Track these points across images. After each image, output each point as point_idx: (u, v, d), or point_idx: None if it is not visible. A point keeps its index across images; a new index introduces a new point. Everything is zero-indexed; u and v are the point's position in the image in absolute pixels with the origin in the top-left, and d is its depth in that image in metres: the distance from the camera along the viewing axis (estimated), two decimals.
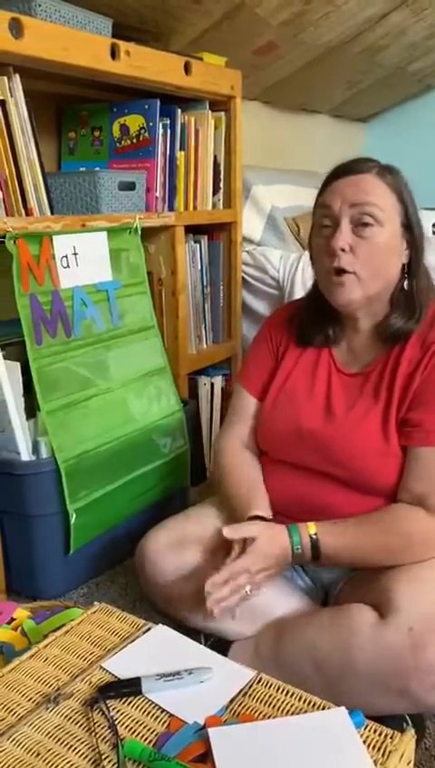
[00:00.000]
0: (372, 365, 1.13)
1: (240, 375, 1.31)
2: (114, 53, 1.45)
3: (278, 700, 0.82)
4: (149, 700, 0.82)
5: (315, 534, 1.04)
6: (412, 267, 1.10)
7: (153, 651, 0.91)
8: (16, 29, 1.24)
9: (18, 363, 1.35)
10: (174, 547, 1.16)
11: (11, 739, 0.77)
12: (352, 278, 1.06)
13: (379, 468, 1.07)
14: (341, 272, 1.06)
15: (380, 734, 0.76)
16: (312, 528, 1.05)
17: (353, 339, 1.17)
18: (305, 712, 0.80)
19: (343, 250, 1.05)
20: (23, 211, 1.35)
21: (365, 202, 1.04)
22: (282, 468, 1.19)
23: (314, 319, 1.19)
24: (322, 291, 1.13)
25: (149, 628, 0.96)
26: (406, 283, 1.11)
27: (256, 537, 1.04)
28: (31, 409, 1.39)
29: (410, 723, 0.96)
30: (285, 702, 0.82)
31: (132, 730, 0.78)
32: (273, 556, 1.05)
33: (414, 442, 1.05)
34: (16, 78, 1.31)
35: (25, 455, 1.37)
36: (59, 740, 0.77)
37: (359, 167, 1.08)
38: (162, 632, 0.96)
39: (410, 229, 1.09)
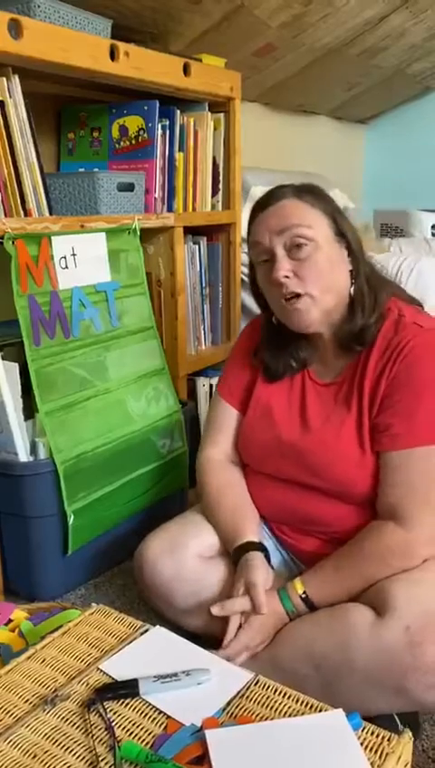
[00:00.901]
0: (343, 374, 1.13)
1: (219, 386, 1.30)
2: (113, 54, 1.45)
3: (276, 702, 0.82)
4: (147, 702, 0.82)
5: (304, 593, 1.05)
6: (355, 271, 1.10)
7: (151, 653, 0.91)
8: (15, 30, 1.24)
9: (16, 364, 1.35)
10: (173, 551, 1.16)
11: (7, 740, 0.77)
12: (306, 300, 1.07)
13: (357, 478, 1.07)
14: (293, 297, 1.07)
15: (377, 737, 0.76)
16: (299, 587, 1.05)
17: (323, 350, 1.16)
18: (303, 714, 0.80)
19: (287, 277, 1.06)
20: (21, 212, 1.35)
21: (290, 225, 1.05)
22: (265, 480, 1.19)
23: (276, 351, 1.18)
24: (282, 321, 1.13)
25: (146, 630, 0.96)
26: (353, 288, 1.10)
27: (248, 610, 1.04)
28: (29, 410, 1.39)
29: (399, 724, 0.96)
30: (283, 704, 0.82)
31: (129, 732, 0.78)
32: (269, 625, 1.06)
33: (383, 447, 1.05)
34: (15, 79, 1.31)
35: (23, 456, 1.37)
36: (55, 741, 0.77)
37: (275, 195, 1.10)
38: (160, 634, 0.96)
39: (344, 236, 1.09)
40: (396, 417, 1.04)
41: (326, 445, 1.09)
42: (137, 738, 0.77)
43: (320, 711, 0.80)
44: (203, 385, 1.98)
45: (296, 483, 1.14)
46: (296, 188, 1.10)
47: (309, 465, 1.11)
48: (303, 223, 1.05)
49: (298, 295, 1.06)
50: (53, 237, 1.39)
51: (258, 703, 0.82)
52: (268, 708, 0.81)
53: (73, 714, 0.81)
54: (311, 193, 1.09)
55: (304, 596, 1.05)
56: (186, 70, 1.66)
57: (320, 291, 1.06)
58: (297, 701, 0.82)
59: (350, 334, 1.09)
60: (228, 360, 1.31)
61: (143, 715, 0.81)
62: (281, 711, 0.81)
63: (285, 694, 0.83)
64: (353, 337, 1.09)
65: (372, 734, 0.77)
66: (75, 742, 0.77)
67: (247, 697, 0.83)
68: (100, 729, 0.78)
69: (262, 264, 1.11)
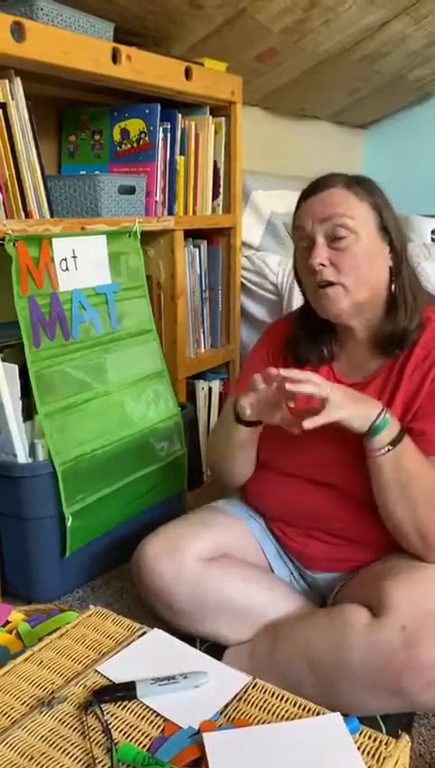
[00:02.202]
0: (374, 375, 1.13)
1: (235, 387, 1.30)
2: (115, 58, 1.46)
3: (273, 705, 0.82)
4: (144, 704, 0.82)
5: (401, 432, 1.01)
6: (396, 269, 1.11)
7: (148, 655, 0.91)
8: (18, 32, 1.25)
9: (16, 366, 1.35)
10: (173, 552, 1.15)
11: (5, 743, 0.77)
12: (338, 289, 1.07)
13: None
14: (326, 284, 1.07)
15: (374, 740, 0.76)
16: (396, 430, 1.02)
17: (353, 350, 1.17)
18: (300, 717, 0.80)
19: (322, 265, 1.06)
20: (22, 214, 1.36)
21: (334, 214, 1.06)
22: (277, 476, 1.20)
23: (308, 337, 1.19)
24: (313, 307, 1.14)
25: (144, 632, 0.96)
26: (393, 285, 1.11)
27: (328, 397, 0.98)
28: (28, 412, 1.39)
29: (382, 725, 0.97)
30: (280, 707, 0.82)
31: (126, 734, 0.78)
32: (357, 400, 1.01)
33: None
34: (17, 81, 1.31)
35: (22, 457, 1.37)
36: (53, 744, 0.76)
37: (325, 183, 1.10)
38: (158, 636, 0.96)
39: (388, 233, 1.09)
40: (433, 424, 1.04)
41: (349, 439, 1.08)
42: (134, 741, 0.77)
43: (317, 714, 0.80)
44: (202, 388, 1.98)
45: (310, 479, 1.14)
46: (348, 178, 1.10)
47: (331, 463, 1.11)
48: (346, 213, 1.06)
49: (331, 284, 1.07)
50: (53, 239, 1.39)
51: (256, 706, 0.82)
52: (266, 711, 0.81)
53: (70, 716, 0.81)
54: (361, 185, 1.10)
55: (400, 434, 1.01)
56: (187, 73, 1.66)
57: (354, 282, 1.07)
58: (295, 704, 0.82)
59: (391, 335, 1.10)
60: (246, 363, 1.32)
61: (140, 717, 0.81)
62: (278, 714, 0.81)
63: (282, 697, 0.83)
64: (394, 339, 1.09)
65: (370, 737, 0.77)
66: (72, 744, 0.76)
67: (245, 700, 0.83)
68: (97, 732, 0.78)
69: (302, 249, 1.11)
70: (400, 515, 1.03)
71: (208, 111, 1.83)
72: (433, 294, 1.19)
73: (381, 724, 0.98)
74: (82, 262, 1.47)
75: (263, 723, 0.79)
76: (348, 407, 1.00)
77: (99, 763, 0.74)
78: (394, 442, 1.01)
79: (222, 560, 1.17)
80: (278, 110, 2.68)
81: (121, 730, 0.78)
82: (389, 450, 1.01)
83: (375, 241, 1.08)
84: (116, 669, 0.88)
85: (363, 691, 0.94)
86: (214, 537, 1.19)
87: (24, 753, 0.75)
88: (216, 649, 1.11)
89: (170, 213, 1.76)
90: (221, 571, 1.14)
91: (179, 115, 1.73)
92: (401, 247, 1.11)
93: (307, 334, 1.19)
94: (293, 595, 1.16)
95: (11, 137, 1.31)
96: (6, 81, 1.29)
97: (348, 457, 1.09)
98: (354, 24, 2.09)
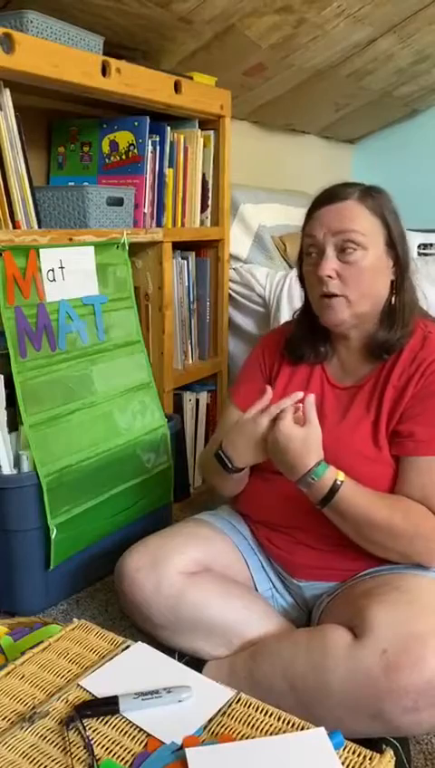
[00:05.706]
0: (365, 379, 1.17)
1: (232, 393, 1.32)
2: (105, 71, 1.46)
3: (257, 720, 0.82)
4: (127, 719, 0.81)
5: (341, 482, 1.04)
6: (398, 283, 1.14)
7: (132, 669, 0.90)
8: (8, 44, 1.25)
9: (1, 376, 1.35)
10: (155, 565, 1.14)
11: None
12: (341, 300, 1.11)
13: (370, 474, 1.09)
14: (330, 295, 1.11)
15: (358, 756, 0.76)
16: (341, 475, 1.05)
17: (345, 355, 1.21)
18: (284, 732, 0.79)
19: (329, 277, 1.09)
20: (10, 224, 1.36)
21: (347, 229, 1.08)
22: (270, 476, 1.20)
23: (306, 336, 1.23)
24: (315, 312, 1.17)
25: (127, 646, 0.95)
26: (394, 298, 1.14)
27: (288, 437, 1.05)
28: (13, 422, 1.38)
29: (397, 746, 0.96)
30: (264, 722, 0.81)
31: (109, 750, 0.77)
32: (290, 454, 1.05)
33: (406, 451, 1.08)
34: (6, 92, 1.32)
35: (7, 468, 1.36)
36: (33, 760, 0.75)
37: (340, 194, 1.11)
38: (141, 650, 0.95)
39: (395, 248, 1.12)
40: (420, 426, 1.07)
41: (340, 440, 1.11)
42: (116, 757, 0.76)
43: (302, 729, 0.80)
44: (189, 400, 1.98)
45: None
46: (362, 191, 1.12)
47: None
48: (359, 229, 1.09)
49: (335, 295, 1.10)
50: (40, 250, 1.39)
51: (239, 721, 0.81)
52: (249, 726, 0.81)
53: (52, 731, 0.80)
54: (374, 199, 1.12)
55: (339, 483, 1.04)
56: (177, 87, 1.67)
57: (357, 295, 1.10)
58: (279, 719, 0.82)
59: (383, 343, 1.13)
60: (242, 371, 1.35)
61: (123, 732, 0.80)
62: (262, 729, 0.80)
63: (266, 712, 0.83)
64: (385, 346, 1.13)
65: (354, 753, 0.76)
66: (53, 760, 0.75)
67: (229, 715, 0.82)
68: (78, 747, 0.77)
69: (309, 255, 1.14)
70: (371, 550, 1.08)
71: (197, 125, 1.85)
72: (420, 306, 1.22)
73: (395, 743, 0.97)
74: (70, 272, 1.47)
75: (246, 738, 0.79)
76: (278, 456, 1.07)
77: None
78: (324, 501, 1.05)
79: (202, 575, 1.15)
80: (267, 124, 2.70)
81: (104, 746, 0.77)
82: (321, 507, 1.06)
83: (381, 256, 1.11)
84: (99, 684, 0.87)
85: (344, 713, 0.93)
86: (197, 551, 1.18)
87: None
88: (196, 663, 1.09)
89: (159, 225, 1.76)
90: (200, 586, 1.13)
91: (168, 128, 1.74)
92: (406, 261, 1.14)
93: (306, 332, 1.23)
94: (272, 615, 1.15)
95: None
96: None
97: (332, 459, 1.09)
98: (342, 42, 2.12)
